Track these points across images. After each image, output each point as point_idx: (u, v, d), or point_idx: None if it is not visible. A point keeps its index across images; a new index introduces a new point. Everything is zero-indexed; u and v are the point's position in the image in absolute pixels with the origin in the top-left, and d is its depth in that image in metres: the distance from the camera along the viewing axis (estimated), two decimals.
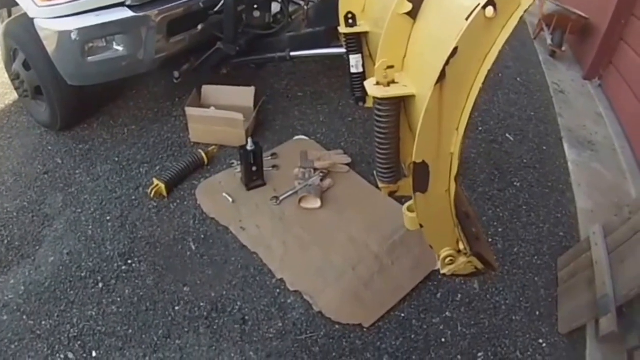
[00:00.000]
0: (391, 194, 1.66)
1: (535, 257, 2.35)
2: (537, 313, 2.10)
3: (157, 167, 2.67)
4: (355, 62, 2.19)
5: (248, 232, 2.31)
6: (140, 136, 2.90)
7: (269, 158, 2.66)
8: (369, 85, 1.42)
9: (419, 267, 2.19)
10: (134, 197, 2.49)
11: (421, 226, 1.30)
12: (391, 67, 1.40)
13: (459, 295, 2.14)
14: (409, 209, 1.35)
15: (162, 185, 2.44)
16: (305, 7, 2.71)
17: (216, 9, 2.68)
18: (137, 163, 2.70)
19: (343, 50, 2.53)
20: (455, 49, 1.02)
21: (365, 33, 2.10)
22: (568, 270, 2.20)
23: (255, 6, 2.66)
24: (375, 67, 1.40)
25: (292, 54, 2.71)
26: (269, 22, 2.74)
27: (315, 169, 2.59)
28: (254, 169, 2.44)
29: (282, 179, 2.58)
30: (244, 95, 2.92)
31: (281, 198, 2.46)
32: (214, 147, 2.71)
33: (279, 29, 2.75)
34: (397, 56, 1.47)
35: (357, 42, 2.15)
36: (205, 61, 2.87)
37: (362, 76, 2.24)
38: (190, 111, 2.73)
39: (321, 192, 2.47)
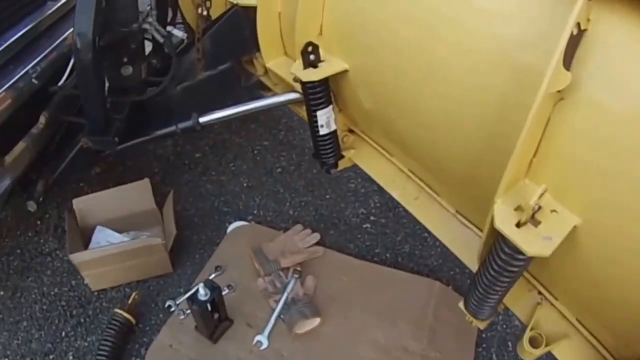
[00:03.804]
0: None
1: None
2: None
3: (70, 356, 1.74)
4: (326, 120, 1.49)
5: None
6: (17, 307, 1.91)
7: (213, 276, 1.86)
8: (514, 233, 0.84)
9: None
10: None
11: None
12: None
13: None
14: (533, 344, 1.09)
15: None
16: (197, 39, 1.72)
17: (61, 82, 1.64)
18: (38, 358, 1.75)
19: (282, 97, 1.73)
20: None
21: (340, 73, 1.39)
22: None
23: (125, 59, 1.67)
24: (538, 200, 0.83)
25: (203, 119, 1.69)
26: (146, 77, 1.78)
27: (284, 269, 1.88)
28: (216, 316, 1.65)
29: (247, 301, 1.82)
30: (139, 195, 1.99)
31: (266, 335, 1.73)
32: (133, 295, 1.80)
33: (167, 82, 1.70)
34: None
35: (326, 90, 1.44)
36: (66, 170, 1.86)
37: (335, 135, 1.56)
38: (78, 258, 1.78)
39: (312, 303, 1.80)
